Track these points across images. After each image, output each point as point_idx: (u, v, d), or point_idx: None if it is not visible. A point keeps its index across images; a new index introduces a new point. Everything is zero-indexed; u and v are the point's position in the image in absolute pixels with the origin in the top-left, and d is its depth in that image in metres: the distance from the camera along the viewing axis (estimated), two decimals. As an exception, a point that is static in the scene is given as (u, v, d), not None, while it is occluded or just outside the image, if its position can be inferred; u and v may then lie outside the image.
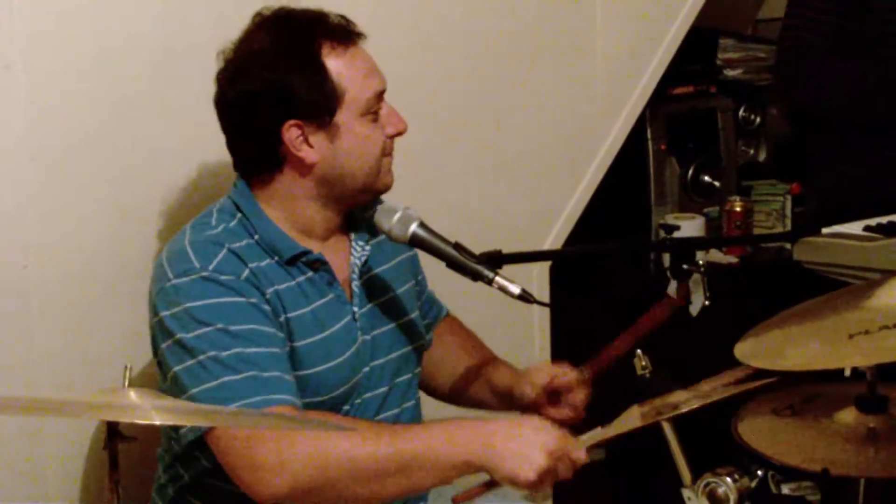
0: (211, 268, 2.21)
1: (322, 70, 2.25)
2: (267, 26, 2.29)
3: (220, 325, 2.17)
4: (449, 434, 2.14)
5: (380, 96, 2.31)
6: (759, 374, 2.10)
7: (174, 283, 2.22)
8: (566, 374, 2.46)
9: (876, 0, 3.23)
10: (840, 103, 3.26)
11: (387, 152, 2.33)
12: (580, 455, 2.12)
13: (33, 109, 2.45)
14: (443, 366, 2.62)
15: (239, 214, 2.31)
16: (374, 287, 2.41)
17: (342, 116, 2.27)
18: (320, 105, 2.25)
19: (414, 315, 2.49)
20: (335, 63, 2.26)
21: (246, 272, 2.23)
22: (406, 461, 2.11)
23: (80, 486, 2.56)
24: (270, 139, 2.27)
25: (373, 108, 2.29)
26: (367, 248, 2.40)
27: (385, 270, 2.45)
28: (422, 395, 2.56)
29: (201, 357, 2.17)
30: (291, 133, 2.26)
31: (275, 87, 2.25)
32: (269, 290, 2.25)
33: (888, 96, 3.21)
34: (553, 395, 2.47)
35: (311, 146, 2.27)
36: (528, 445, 2.09)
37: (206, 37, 2.52)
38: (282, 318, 2.25)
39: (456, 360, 2.62)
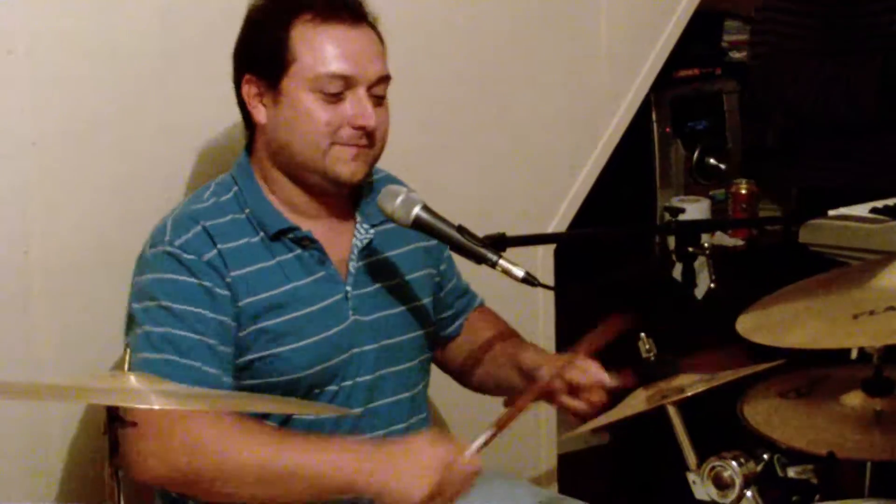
0: (177, 244, 2.24)
1: (284, 32, 2.26)
2: None
3: (163, 302, 2.21)
4: (337, 454, 2.14)
5: (344, 81, 2.26)
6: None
7: (145, 253, 2.29)
8: (600, 378, 2.32)
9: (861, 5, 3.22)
10: (809, 108, 3.26)
11: (342, 141, 2.28)
12: (470, 465, 2.11)
13: (35, 94, 2.44)
14: (469, 349, 2.59)
15: (235, 188, 2.33)
16: (380, 271, 2.40)
17: (289, 83, 2.27)
18: (270, 64, 2.27)
19: (425, 302, 2.46)
20: (301, 31, 2.26)
21: (212, 254, 2.25)
22: (280, 474, 2.11)
23: (84, 471, 2.56)
24: (238, 92, 2.33)
25: (325, 88, 2.25)
26: (372, 231, 2.38)
27: (395, 255, 2.43)
28: (434, 380, 2.55)
29: (138, 330, 2.21)
30: (249, 88, 2.31)
31: (244, 39, 2.33)
32: (235, 273, 2.25)
33: (853, 102, 3.21)
34: (575, 388, 2.37)
35: (263, 106, 2.30)
36: (408, 477, 2.08)
37: (210, 20, 2.51)
38: (245, 302, 2.25)
39: (482, 342, 2.58)
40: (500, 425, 2.14)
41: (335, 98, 2.26)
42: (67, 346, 2.52)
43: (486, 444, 2.12)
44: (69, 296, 2.53)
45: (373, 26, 2.34)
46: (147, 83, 2.57)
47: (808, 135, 3.39)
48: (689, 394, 1.87)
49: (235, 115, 2.47)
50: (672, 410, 1.89)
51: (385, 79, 2.33)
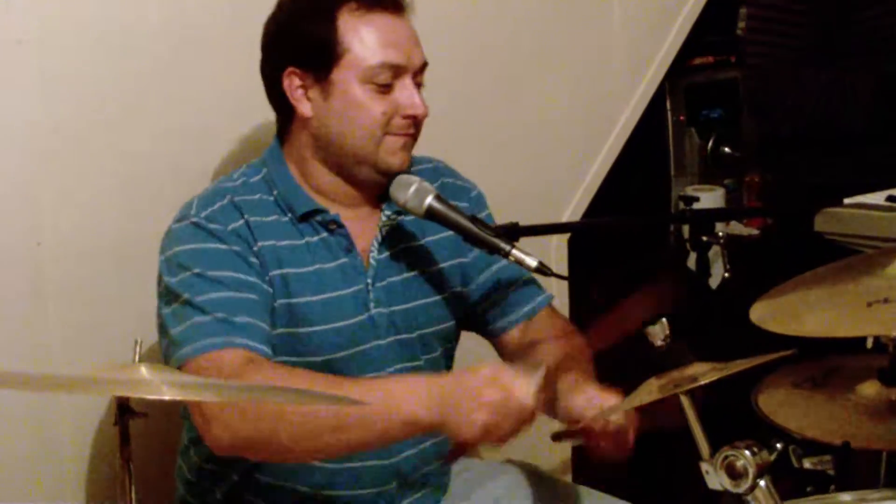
0: (203, 215, 2.24)
1: (331, 23, 2.24)
2: None
3: (197, 270, 2.20)
4: (392, 388, 2.09)
5: (393, 69, 2.25)
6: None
7: (171, 227, 2.28)
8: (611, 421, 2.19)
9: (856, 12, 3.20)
10: (809, 115, 3.24)
11: (394, 131, 2.27)
12: (528, 402, 2.00)
13: (46, 85, 2.44)
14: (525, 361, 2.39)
15: (264, 170, 2.33)
16: (404, 261, 2.37)
17: (340, 75, 2.25)
18: (319, 57, 2.24)
19: (449, 293, 2.42)
20: (348, 21, 2.24)
21: (238, 223, 2.25)
22: (346, 418, 2.06)
23: (96, 461, 2.56)
24: (276, 85, 2.29)
25: (377, 78, 2.25)
26: (396, 219, 2.36)
27: (422, 244, 2.40)
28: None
29: (179, 301, 2.20)
30: (292, 81, 2.27)
31: (284, 31, 2.29)
32: (263, 244, 2.25)
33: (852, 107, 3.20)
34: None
35: (308, 99, 2.27)
36: (468, 402, 2.00)
37: (223, 7, 2.51)
38: (274, 273, 2.25)
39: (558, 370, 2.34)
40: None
41: (386, 88, 2.26)
42: (79, 338, 2.53)
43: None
44: (81, 287, 2.53)
45: (409, 14, 2.33)
46: (159, 74, 2.57)
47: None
48: (702, 383, 1.86)
49: (246, 106, 2.47)
50: (685, 400, 1.88)
51: (426, 65, 2.33)
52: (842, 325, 1.98)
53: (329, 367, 2.27)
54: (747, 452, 1.82)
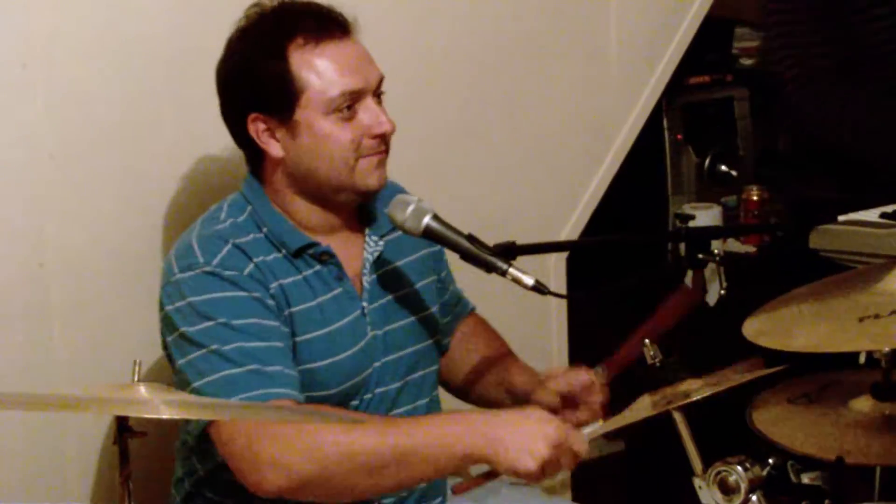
0: (214, 262, 2.22)
1: (284, 62, 2.23)
2: (251, 17, 2.30)
3: (222, 320, 2.19)
4: (449, 426, 2.14)
5: (353, 95, 2.25)
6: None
7: (178, 277, 2.24)
8: (584, 379, 2.39)
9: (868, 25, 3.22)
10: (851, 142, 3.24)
11: (366, 153, 2.28)
12: (582, 447, 2.11)
13: (50, 107, 2.45)
14: (461, 364, 2.59)
15: (249, 208, 2.32)
16: (389, 282, 2.40)
17: (303, 113, 2.24)
18: (279, 99, 2.24)
19: (433, 310, 2.47)
20: (300, 58, 2.23)
21: (250, 267, 2.24)
22: (405, 454, 2.10)
23: (98, 481, 2.57)
24: (242, 130, 2.29)
25: (341, 108, 2.25)
26: (381, 242, 2.39)
27: (404, 265, 2.43)
28: (441, 392, 2.56)
29: (204, 351, 2.18)
30: (257, 126, 2.27)
31: (240, 77, 2.28)
32: (274, 285, 2.25)
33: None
34: (571, 398, 2.41)
35: (276, 140, 2.27)
36: (529, 436, 2.08)
37: (221, 32, 2.52)
38: (286, 313, 2.26)
39: (475, 359, 2.59)
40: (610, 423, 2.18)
41: (350, 113, 2.26)
42: (83, 357, 2.54)
43: (609, 432, 2.15)
44: (84, 307, 2.54)
45: (353, 30, 2.32)
46: (161, 95, 2.59)
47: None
48: (695, 399, 1.88)
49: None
50: (677, 416, 1.90)
51: (382, 79, 2.33)
52: (833, 341, 1.99)
53: (337, 400, 2.30)
54: (739, 468, 1.83)
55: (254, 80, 2.25)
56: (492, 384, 2.55)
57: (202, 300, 2.20)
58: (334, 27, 2.27)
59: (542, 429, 2.09)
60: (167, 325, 2.25)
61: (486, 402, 2.56)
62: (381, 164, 2.31)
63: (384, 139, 2.30)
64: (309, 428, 2.11)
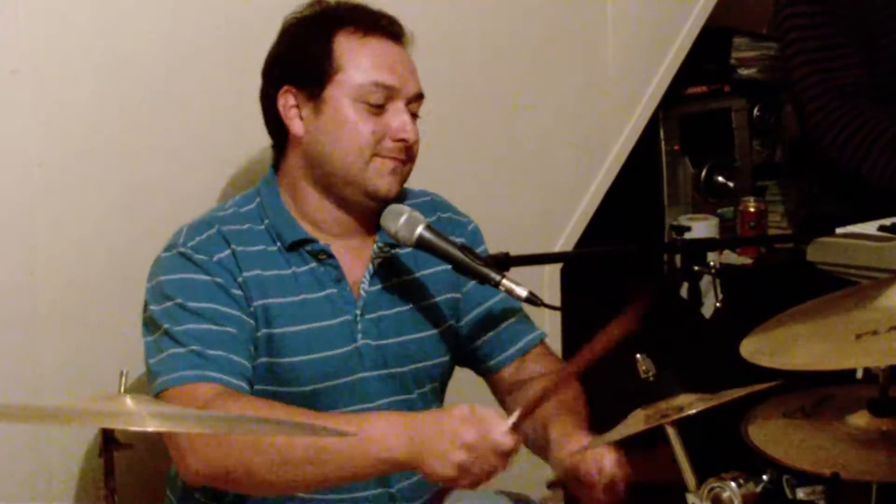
0: (189, 245, 2.27)
1: (328, 43, 2.28)
2: (312, 6, 2.35)
3: (179, 300, 2.22)
4: (368, 426, 2.09)
5: (386, 91, 2.28)
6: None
7: (160, 256, 2.31)
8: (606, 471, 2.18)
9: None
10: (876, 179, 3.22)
11: (383, 153, 2.29)
12: (504, 441, 2.02)
13: (40, 114, 2.46)
14: (517, 402, 2.38)
15: (258, 199, 2.34)
16: (394, 294, 2.37)
17: (332, 92, 2.27)
18: (312, 74, 2.28)
19: (441, 328, 2.41)
20: (344, 42, 2.28)
21: (224, 253, 2.26)
22: (318, 451, 2.07)
23: (84, 494, 2.56)
24: (272, 107, 2.32)
25: (369, 98, 2.27)
26: (393, 251, 2.36)
27: (416, 278, 2.40)
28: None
29: (160, 330, 2.22)
30: (287, 99, 2.30)
31: (283, 52, 2.33)
32: (247, 274, 2.26)
33: None
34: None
35: (301, 118, 2.30)
36: (444, 442, 2.02)
37: (214, 42, 2.52)
38: (257, 304, 2.26)
39: (547, 417, 2.32)
40: (528, 406, 2.08)
41: (378, 109, 2.28)
42: (73, 367, 2.53)
43: (518, 421, 2.04)
44: (74, 316, 2.53)
45: (408, 46, 2.37)
46: (152, 104, 2.59)
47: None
48: (689, 413, 1.86)
49: (243, 133, 2.47)
50: (671, 431, 1.88)
51: (421, 97, 2.35)
52: (830, 359, 1.97)
53: (315, 398, 2.28)
54: (733, 484, 1.82)
55: (294, 54, 2.31)
56: (535, 427, 2.32)
57: (168, 280, 2.25)
58: (386, 28, 2.33)
59: (458, 433, 2.02)
60: (145, 304, 2.30)
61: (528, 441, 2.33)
62: (396, 171, 2.31)
63: (406, 148, 2.31)
64: (227, 402, 2.12)
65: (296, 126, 2.30)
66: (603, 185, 3.41)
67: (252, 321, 2.25)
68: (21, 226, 2.46)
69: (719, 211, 3.75)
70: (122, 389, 1.73)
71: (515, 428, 2.04)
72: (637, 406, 2.01)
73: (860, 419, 2.18)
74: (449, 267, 2.36)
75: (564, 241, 3.33)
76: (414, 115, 2.33)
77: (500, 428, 2.03)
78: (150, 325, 2.26)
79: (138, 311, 2.39)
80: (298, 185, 2.33)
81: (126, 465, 1.91)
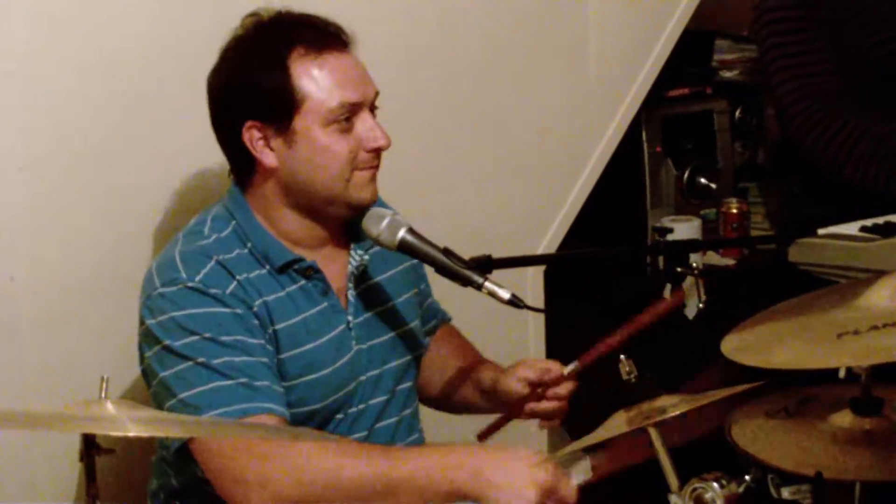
0: (197, 279, 2.21)
1: (284, 72, 2.23)
2: (249, 26, 2.29)
3: (208, 335, 2.17)
4: (439, 460, 2.12)
5: (352, 107, 2.26)
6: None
7: (161, 291, 2.22)
8: (553, 370, 2.40)
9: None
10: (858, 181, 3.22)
11: (361, 166, 2.28)
12: (571, 494, 2.10)
13: (23, 119, 2.43)
14: (434, 371, 2.59)
15: (233, 222, 2.30)
16: (373, 296, 2.40)
17: (301, 122, 2.24)
18: (278, 108, 2.23)
19: (414, 324, 2.47)
20: (301, 68, 2.23)
21: (233, 285, 2.23)
22: (392, 484, 2.09)
23: (68, 497, 2.55)
24: (235, 138, 2.27)
25: (339, 119, 2.25)
26: (366, 256, 2.38)
27: (386, 279, 2.43)
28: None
29: (191, 363, 2.17)
30: (252, 134, 2.25)
31: (238, 85, 2.26)
32: (258, 302, 2.24)
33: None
34: (537, 387, 2.42)
35: (271, 149, 2.26)
36: (519, 478, 2.07)
37: (200, 46, 2.51)
38: (270, 330, 2.24)
39: (446, 365, 2.59)
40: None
41: (348, 125, 2.26)
42: (56, 373, 2.51)
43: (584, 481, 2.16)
44: (56, 322, 2.52)
45: (352, 44, 2.33)
46: (137, 109, 2.57)
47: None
48: (671, 414, 1.87)
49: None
50: (653, 432, 1.88)
51: (377, 94, 2.33)
52: (811, 358, 1.98)
53: (322, 416, 2.30)
54: (715, 484, 1.82)
55: (253, 89, 2.25)
56: (461, 385, 2.56)
57: (186, 315, 2.19)
58: (334, 39, 2.28)
59: (532, 473, 2.08)
60: (148, 338, 2.23)
61: (458, 405, 2.58)
62: (374, 178, 2.31)
63: (378, 153, 2.30)
64: (298, 449, 2.10)
65: (268, 159, 2.26)
66: (586, 187, 3.41)
67: (272, 348, 2.24)
68: (2, 231, 2.44)
69: (702, 212, 3.76)
70: (104, 395, 1.72)
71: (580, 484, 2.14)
72: (619, 408, 2.01)
73: (843, 419, 2.19)
74: (409, 263, 2.42)
75: (548, 243, 3.33)
76: (374, 112, 2.32)
77: (569, 481, 2.11)
78: (167, 359, 2.19)
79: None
80: (274, 208, 2.31)
81: (108, 470, 1.91)
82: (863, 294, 2.07)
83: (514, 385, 2.42)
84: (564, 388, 2.40)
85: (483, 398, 2.51)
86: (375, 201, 2.33)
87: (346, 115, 2.25)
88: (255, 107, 2.24)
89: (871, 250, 2.77)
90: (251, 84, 2.25)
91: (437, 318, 2.63)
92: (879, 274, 2.09)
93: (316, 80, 2.23)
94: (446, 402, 2.60)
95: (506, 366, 2.51)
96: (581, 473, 2.17)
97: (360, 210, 2.32)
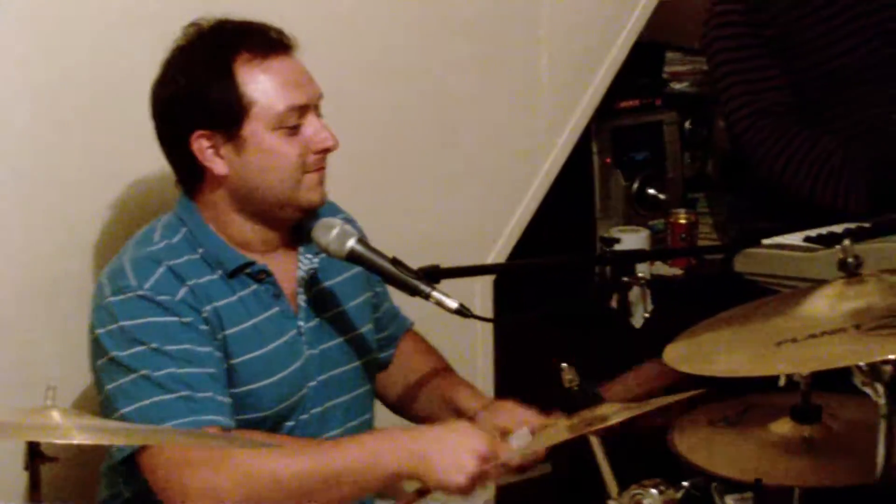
0: (147, 286, 2.22)
1: (231, 80, 2.24)
2: (192, 35, 2.30)
3: (154, 345, 2.18)
4: (375, 445, 2.15)
5: (299, 110, 2.27)
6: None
7: (110, 300, 2.23)
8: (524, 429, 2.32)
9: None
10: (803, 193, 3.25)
11: (310, 168, 2.29)
12: (510, 458, 2.12)
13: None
14: (402, 381, 2.61)
15: (184, 229, 2.31)
16: (323, 300, 2.41)
17: (249, 128, 2.25)
18: (226, 116, 2.24)
19: (366, 329, 2.47)
20: (247, 74, 2.25)
21: (183, 291, 2.23)
22: (333, 477, 2.12)
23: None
24: (184, 148, 2.27)
25: (287, 123, 2.26)
26: (316, 260, 2.39)
27: (337, 283, 2.44)
28: (379, 410, 2.56)
29: (134, 376, 2.17)
30: (201, 143, 2.26)
31: (185, 94, 2.27)
32: (208, 308, 2.25)
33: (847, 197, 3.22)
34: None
35: (221, 157, 2.27)
36: (456, 451, 2.10)
37: (148, 64, 2.51)
38: (220, 336, 2.25)
39: (416, 376, 2.60)
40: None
41: (295, 129, 2.27)
42: (5, 381, 2.50)
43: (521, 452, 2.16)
44: (4, 327, 2.51)
45: (295, 48, 2.34)
46: (85, 113, 2.57)
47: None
48: (612, 422, 1.89)
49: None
50: (593, 440, 1.91)
51: (322, 96, 2.34)
52: (750, 366, 2.00)
53: (273, 421, 2.31)
54: (654, 491, 1.85)
55: (200, 98, 2.25)
56: (436, 401, 2.56)
57: (134, 324, 2.20)
58: (278, 44, 2.29)
59: (468, 442, 2.11)
60: (97, 348, 2.24)
61: (428, 419, 2.56)
62: (322, 180, 2.33)
63: (325, 155, 2.31)
64: (238, 454, 2.12)
65: (218, 167, 2.27)
66: (536, 198, 3.42)
67: (221, 354, 2.25)
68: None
69: (651, 223, 3.78)
70: (50, 403, 1.73)
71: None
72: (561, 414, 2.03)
73: (783, 426, 2.22)
74: (360, 269, 2.42)
75: (498, 253, 3.35)
76: (319, 114, 2.33)
77: (507, 445, 2.15)
78: (113, 371, 2.20)
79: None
80: (223, 214, 2.32)
81: (57, 478, 1.91)
82: (802, 303, 2.09)
83: (489, 429, 2.36)
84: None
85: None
86: (324, 203, 2.34)
87: (294, 119, 2.27)
88: (204, 116, 2.25)
89: (813, 260, 2.80)
90: (198, 93, 2.25)
91: (396, 324, 2.64)
92: (820, 283, 2.12)
93: (262, 85, 2.25)
94: (412, 412, 2.61)
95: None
96: (521, 439, 2.17)
97: (310, 212, 2.33)
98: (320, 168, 2.31)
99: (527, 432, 2.17)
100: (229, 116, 2.24)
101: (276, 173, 2.27)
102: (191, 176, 2.32)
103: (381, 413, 2.61)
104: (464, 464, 2.09)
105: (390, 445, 2.14)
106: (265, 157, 2.26)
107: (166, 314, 2.21)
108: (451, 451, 2.10)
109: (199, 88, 2.25)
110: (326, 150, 2.30)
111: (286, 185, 2.28)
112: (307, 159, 2.29)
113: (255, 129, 2.25)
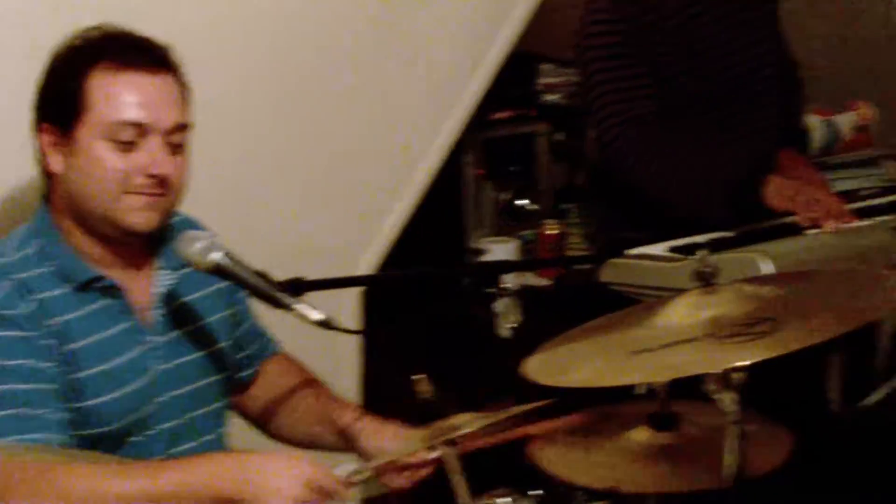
0: None
1: (81, 80, 2.24)
2: (78, 35, 2.30)
3: None
4: (197, 469, 2.13)
5: (136, 128, 2.24)
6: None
7: None
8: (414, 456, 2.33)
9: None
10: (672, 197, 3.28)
11: (132, 189, 2.26)
12: (336, 485, 2.12)
13: None
14: (271, 401, 2.58)
15: (37, 241, 2.29)
16: (181, 315, 2.39)
17: (83, 132, 2.24)
18: (64, 113, 2.25)
19: (225, 345, 2.46)
20: (97, 80, 2.24)
21: (28, 306, 2.21)
22: (152, 498, 2.08)
23: None
24: (38, 141, 2.30)
25: (119, 136, 2.24)
26: (175, 275, 2.38)
27: (198, 298, 2.42)
28: (236, 427, 2.55)
29: None
30: (44, 138, 2.28)
31: (43, 86, 2.30)
32: (56, 321, 2.22)
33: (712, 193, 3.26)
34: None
35: (57, 154, 2.28)
36: (281, 477, 2.09)
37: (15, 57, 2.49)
38: (67, 349, 2.23)
39: (283, 397, 2.57)
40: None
41: (129, 146, 2.24)
42: None
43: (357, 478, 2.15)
44: None
45: (175, 73, 2.32)
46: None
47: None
48: (465, 432, 1.90)
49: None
50: (445, 451, 1.91)
51: (183, 127, 2.30)
52: (606, 375, 2.03)
53: (121, 434, 2.28)
54: (501, 501, 1.86)
55: (49, 91, 2.28)
56: (310, 417, 2.54)
57: None
58: (144, 59, 2.27)
59: (293, 468, 2.10)
60: None
61: (305, 437, 2.55)
62: (151, 206, 2.28)
63: (160, 182, 2.27)
64: (61, 472, 2.07)
65: (54, 164, 2.27)
66: (406, 208, 3.42)
67: (64, 368, 2.22)
68: None
69: (521, 234, 3.81)
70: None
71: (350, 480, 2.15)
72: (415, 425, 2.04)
73: (641, 434, 2.25)
74: (224, 285, 2.41)
75: (367, 264, 3.35)
76: (177, 146, 2.30)
77: (333, 474, 2.12)
78: None
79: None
80: (65, 222, 2.30)
81: None
82: (659, 312, 2.13)
83: (373, 452, 2.39)
84: (420, 473, 2.35)
85: (340, 440, 2.48)
86: (152, 228, 2.30)
87: (130, 135, 2.24)
88: (47, 108, 2.28)
89: (675, 270, 2.83)
90: (51, 87, 2.28)
91: (260, 344, 2.61)
92: (680, 293, 2.15)
93: (107, 93, 2.23)
94: (284, 432, 2.59)
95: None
96: (347, 465, 2.17)
97: (133, 234, 2.29)
98: (150, 193, 2.27)
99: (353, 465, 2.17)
100: (66, 114, 2.24)
101: (97, 184, 2.25)
102: (44, 174, 2.32)
103: (236, 426, 2.60)
104: (289, 490, 2.08)
105: (217, 470, 2.12)
106: (90, 163, 2.24)
107: (9, 328, 2.18)
108: (275, 477, 2.09)
109: (53, 82, 2.28)
110: (154, 177, 2.26)
111: (105, 198, 2.25)
112: (134, 179, 2.25)
113: (87, 134, 2.24)
